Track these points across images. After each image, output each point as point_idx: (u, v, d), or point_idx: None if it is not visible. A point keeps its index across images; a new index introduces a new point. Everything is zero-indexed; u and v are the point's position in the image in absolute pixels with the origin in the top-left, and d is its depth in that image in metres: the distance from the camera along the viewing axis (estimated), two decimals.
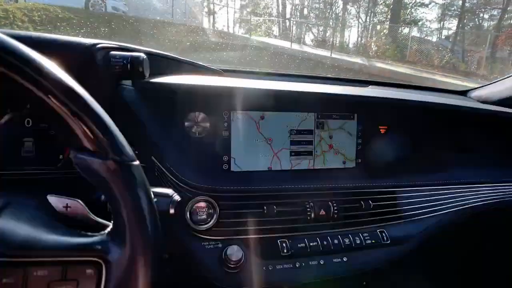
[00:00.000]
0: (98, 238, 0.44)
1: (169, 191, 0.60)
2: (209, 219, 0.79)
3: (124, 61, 0.68)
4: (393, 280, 1.89)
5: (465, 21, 18.37)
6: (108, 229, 0.44)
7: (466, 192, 1.03)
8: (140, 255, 0.43)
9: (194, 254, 0.77)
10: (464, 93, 1.55)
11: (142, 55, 0.69)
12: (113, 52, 0.69)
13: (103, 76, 0.68)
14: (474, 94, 1.50)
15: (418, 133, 1.16)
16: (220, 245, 0.79)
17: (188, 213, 0.78)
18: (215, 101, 0.94)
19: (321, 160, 1.09)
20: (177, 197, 0.61)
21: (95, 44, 0.66)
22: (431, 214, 0.97)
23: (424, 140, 1.17)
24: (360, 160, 1.12)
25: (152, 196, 0.46)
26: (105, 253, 0.43)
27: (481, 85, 1.53)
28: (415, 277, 1.92)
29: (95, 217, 0.51)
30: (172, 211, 0.58)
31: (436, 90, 1.56)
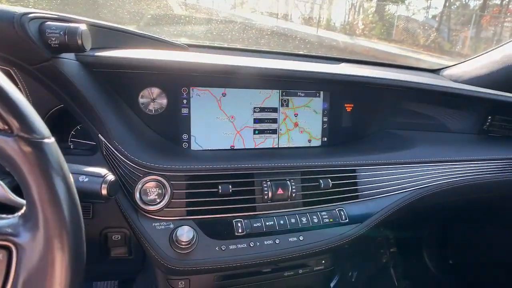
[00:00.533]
0: (9, 221, 0.41)
1: (102, 170, 0.57)
2: (160, 200, 0.77)
3: (61, 33, 0.62)
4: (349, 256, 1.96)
5: (451, 0, 18.30)
6: (22, 211, 0.41)
7: (429, 170, 1.03)
8: (55, 239, 0.40)
9: (145, 234, 0.75)
10: (436, 71, 1.54)
11: (81, 26, 0.64)
12: (48, 23, 0.63)
13: (39, 49, 0.63)
14: (446, 72, 1.49)
15: (383, 112, 1.14)
16: (171, 226, 0.76)
17: (138, 193, 0.76)
18: (171, 77, 0.89)
19: (286, 138, 1.07)
20: (110, 177, 0.57)
21: (26, 14, 0.61)
22: (393, 193, 0.97)
23: (390, 118, 1.16)
24: (325, 138, 1.10)
25: (69, 175, 0.42)
26: (15, 237, 0.40)
27: (453, 64, 1.52)
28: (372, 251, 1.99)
29: (16, 197, 0.48)
30: (104, 192, 0.55)
31: (409, 68, 1.54)
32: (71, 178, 0.43)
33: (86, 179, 0.53)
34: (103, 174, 0.56)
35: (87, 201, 0.55)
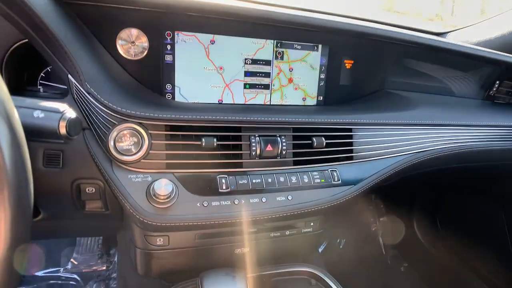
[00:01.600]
0: None
1: (61, 106, 0.50)
2: (136, 150, 0.70)
3: None
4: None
5: None
6: None
7: (429, 134, 0.97)
8: None
9: (119, 187, 0.68)
10: (442, 34, 1.44)
11: None
12: None
13: None
14: (451, 35, 1.40)
15: (385, 70, 1.06)
16: (149, 179, 0.70)
17: (112, 142, 0.69)
18: (154, 16, 0.80)
19: (278, 95, 1.00)
20: (71, 114, 0.50)
21: None
22: (389, 156, 0.91)
23: (391, 77, 1.08)
24: (321, 97, 1.03)
25: (12, 109, 0.35)
26: None
27: (459, 27, 1.43)
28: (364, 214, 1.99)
29: None
30: (63, 130, 0.48)
31: (413, 30, 1.44)
32: (15, 113, 0.35)
33: (42, 115, 0.46)
34: (61, 110, 0.48)
35: (44, 141, 0.48)
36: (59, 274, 1.53)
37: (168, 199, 0.69)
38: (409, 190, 1.73)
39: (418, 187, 1.65)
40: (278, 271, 0.89)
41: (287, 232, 0.92)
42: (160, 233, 0.79)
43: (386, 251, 1.96)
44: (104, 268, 1.58)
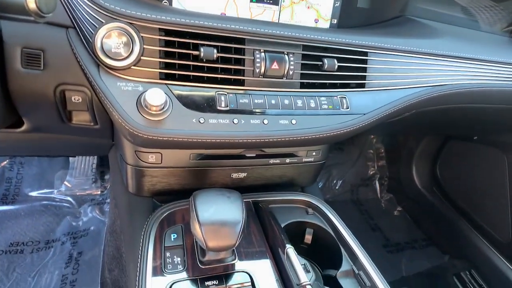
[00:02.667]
0: None
1: None
2: (126, 54, 0.62)
3: None
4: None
5: None
6: None
7: (449, 67, 0.88)
8: None
9: (107, 95, 0.62)
10: None
11: None
12: None
13: None
14: None
15: None
16: (140, 88, 0.63)
17: (99, 42, 0.61)
18: None
19: (288, 13, 0.89)
20: None
21: None
22: (404, 87, 0.83)
23: (414, 2, 0.97)
24: (335, 20, 0.92)
25: None
26: None
27: None
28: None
29: None
30: (32, 5, 0.39)
31: None
32: None
33: None
34: None
35: (13, 18, 0.40)
36: (53, 195, 1.53)
37: (161, 111, 0.62)
38: (416, 131, 1.68)
39: (422, 131, 1.59)
40: (274, 198, 0.87)
41: (287, 160, 0.88)
42: (152, 149, 0.74)
43: (381, 195, 1.97)
44: (99, 192, 1.58)
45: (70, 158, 1.60)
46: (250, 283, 0.66)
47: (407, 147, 1.86)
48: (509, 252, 1.45)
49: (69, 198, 1.53)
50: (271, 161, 0.86)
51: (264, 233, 0.78)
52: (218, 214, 0.63)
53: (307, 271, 0.68)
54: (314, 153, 0.90)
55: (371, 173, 1.98)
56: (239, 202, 0.65)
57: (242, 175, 0.87)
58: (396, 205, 1.94)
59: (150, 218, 0.75)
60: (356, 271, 0.74)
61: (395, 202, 1.95)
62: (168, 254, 0.69)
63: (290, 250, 0.68)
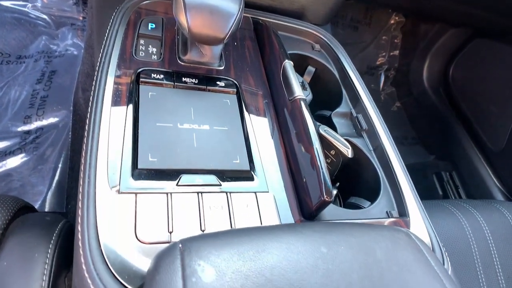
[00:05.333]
0: None
1: None
2: None
3: None
4: None
5: None
6: None
7: None
8: None
9: None
10: None
11: None
12: None
13: None
14: None
15: None
16: None
17: None
18: None
19: None
20: None
21: None
22: None
23: None
24: None
25: None
26: None
27: None
28: None
29: None
30: None
31: None
32: None
33: None
34: None
35: None
36: (26, 9, 1.34)
37: None
38: (438, 24, 1.49)
39: (455, 16, 1.40)
40: (279, 21, 0.73)
41: None
42: None
43: (383, 87, 1.86)
44: (81, 18, 1.40)
45: None
46: (235, 92, 0.57)
47: (427, 38, 1.68)
48: (496, 161, 1.43)
49: (45, 17, 1.34)
50: None
51: (260, 52, 0.67)
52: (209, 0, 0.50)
53: (304, 89, 0.59)
54: None
55: (379, 62, 1.83)
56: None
57: None
58: (395, 100, 1.84)
59: (126, 1, 0.61)
60: (355, 114, 0.65)
61: (395, 96, 1.85)
62: (142, 42, 0.57)
63: (288, 64, 0.57)
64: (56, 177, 1.04)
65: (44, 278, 0.49)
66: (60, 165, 1.06)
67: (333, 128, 0.63)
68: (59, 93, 1.14)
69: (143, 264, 0.36)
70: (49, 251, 0.52)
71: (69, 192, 1.07)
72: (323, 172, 0.45)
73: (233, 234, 0.36)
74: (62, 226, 0.58)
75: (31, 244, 0.53)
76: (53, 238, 0.54)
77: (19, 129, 1.08)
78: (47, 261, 0.51)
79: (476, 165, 1.49)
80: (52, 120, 1.11)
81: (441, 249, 0.49)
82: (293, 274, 0.34)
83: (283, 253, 0.35)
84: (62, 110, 1.13)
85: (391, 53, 1.82)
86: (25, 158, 1.04)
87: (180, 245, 0.34)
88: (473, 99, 1.55)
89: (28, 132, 1.08)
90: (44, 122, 1.10)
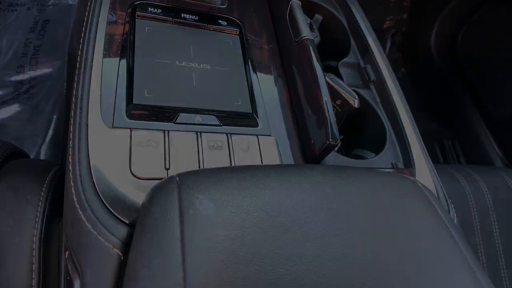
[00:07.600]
0: None
1: None
2: None
3: None
4: None
5: None
6: None
7: None
8: None
9: None
10: None
11: None
12: None
13: None
14: None
15: None
16: None
17: None
18: None
19: None
20: None
21: None
22: None
23: None
24: None
25: None
26: None
27: None
28: None
29: None
30: None
31: None
32: None
33: None
34: None
35: None
36: None
37: None
38: None
39: None
40: None
41: None
42: None
43: (389, 52, 1.80)
44: None
45: None
46: (238, 33, 0.53)
47: (437, 1, 1.60)
48: (501, 130, 1.41)
49: None
50: None
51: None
52: None
53: (312, 30, 0.55)
54: None
55: (386, 26, 1.76)
56: None
57: None
58: (400, 67, 1.79)
59: None
60: (363, 65, 0.62)
61: (401, 62, 1.79)
62: None
63: (296, 3, 0.53)
64: (51, 129, 1.01)
65: (36, 220, 0.48)
66: (55, 117, 1.03)
67: (340, 78, 0.60)
68: (53, 43, 1.09)
69: (138, 198, 0.34)
70: (42, 194, 0.51)
71: (64, 144, 1.05)
72: (329, 116, 0.43)
73: (233, 170, 0.34)
74: (56, 171, 0.56)
75: (23, 187, 0.51)
76: (46, 182, 0.53)
77: (12, 78, 1.04)
78: (40, 204, 0.49)
79: (479, 134, 1.47)
80: (46, 70, 1.07)
81: (446, 200, 0.48)
82: (296, 212, 0.32)
83: (286, 191, 0.33)
84: (56, 61, 1.08)
85: (399, 17, 1.74)
86: (19, 109, 1.01)
87: (178, 178, 0.32)
88: (481, 66, 1.51)
89: (21, 82, 1.04)
90: (38, 72, 1.06)
